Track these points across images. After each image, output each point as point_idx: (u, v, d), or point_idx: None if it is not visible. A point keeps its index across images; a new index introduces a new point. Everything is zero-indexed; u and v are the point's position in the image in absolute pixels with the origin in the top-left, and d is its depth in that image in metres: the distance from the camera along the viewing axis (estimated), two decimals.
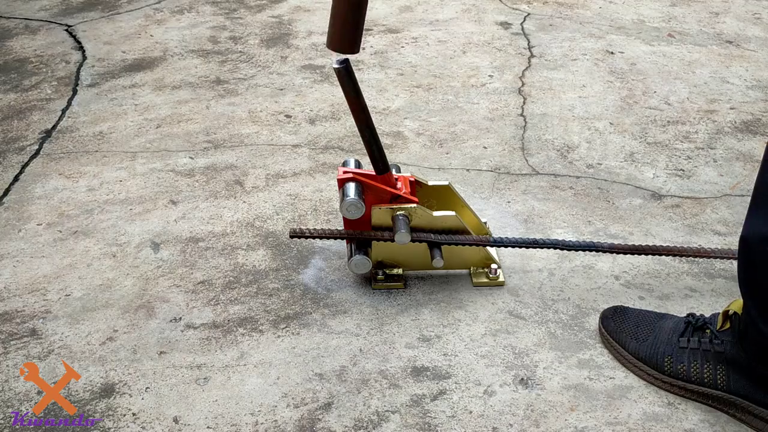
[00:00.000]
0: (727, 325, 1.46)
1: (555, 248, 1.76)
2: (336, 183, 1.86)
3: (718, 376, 1.45)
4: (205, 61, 2.88)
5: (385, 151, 1.72)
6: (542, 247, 1.76)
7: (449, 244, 1.74)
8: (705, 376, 1.46)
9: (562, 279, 1.82)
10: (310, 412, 1.48)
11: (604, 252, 1.76)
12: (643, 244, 1.76)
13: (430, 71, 2.79)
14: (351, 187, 1.68)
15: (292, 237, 1.75)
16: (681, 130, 2.44)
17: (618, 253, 1.76)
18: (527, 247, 1.77)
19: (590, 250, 1.76)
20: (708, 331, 1.49)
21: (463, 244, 1.74)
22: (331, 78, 2.74)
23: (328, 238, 1.75)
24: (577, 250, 1.77)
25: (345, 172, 1.71)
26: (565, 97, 2.63)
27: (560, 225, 1.99)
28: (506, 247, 1.76)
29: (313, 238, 1.75)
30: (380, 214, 1.71)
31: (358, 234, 1.74)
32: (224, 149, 2.33)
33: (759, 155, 2.30)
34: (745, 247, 1.35)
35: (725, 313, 1.46)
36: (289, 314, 1.72)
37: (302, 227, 1.78)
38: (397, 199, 1.72)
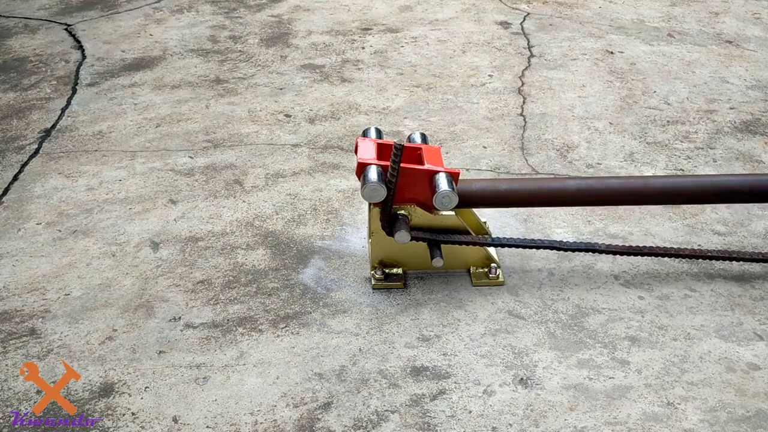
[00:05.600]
0: None
1: (552, 249, 1.76)
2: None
3: None
4: (205, 61, 2.87)
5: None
6: (540, 248, 1.76)
7: (448, 243, 1.74)
8: None
9: (562, 279, 1.81)
10: (310, 411, 1.48)
11: (602, 253, 1.76)
12: (642, 245, 1.76)
13: (429, 71, 2.79)
14: (443, 178, 1.68)
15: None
16: (681, 130, 2.43)
17: (616, 254, 1.76)
18: (526, 248, 1.77)
19: (588, 251, 1.76)
20: None
21: (461, 243, 1.74)
22: (331, 78, 2.74)
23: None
24: (575, 251, 1.77)
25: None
26: (564, 96, 2.63)
27: (560, 225, 1.99)
28: (504, 247, 1.76)
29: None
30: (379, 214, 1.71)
31: None
32: (224, 148, 2.33)
33: (758, 155, 2.30)
34: None
35: None
36: (288, 314, 1.71)
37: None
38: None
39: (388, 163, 1.63)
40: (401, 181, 1.66)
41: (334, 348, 1.63)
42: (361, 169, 1.68)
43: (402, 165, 1.64)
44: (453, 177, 1.70)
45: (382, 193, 1.65)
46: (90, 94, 2.65)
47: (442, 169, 1.70)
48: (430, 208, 1.72)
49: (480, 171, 2.22)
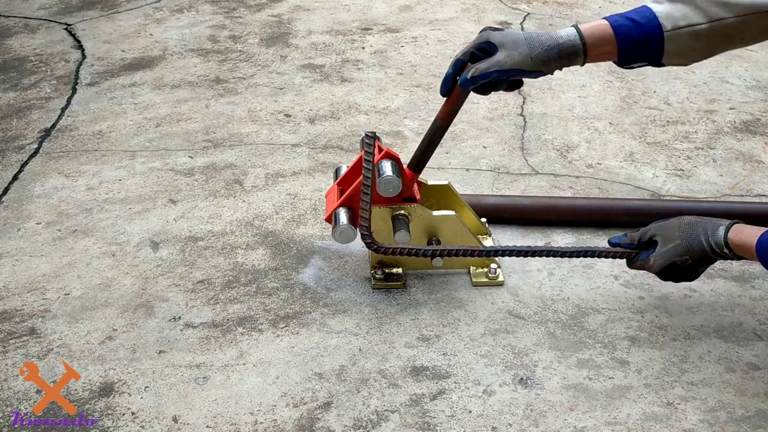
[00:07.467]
0: None
1: (549, 255, 1.71)
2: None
3: None
4: (205, 60, 2.88)
5: None
6: (538, 255, 1.71)
7: (445, 254, 1.71)
8: None
9: (562, 279, 1.82)
10: (310, 411, 1.48)
11: (602, 257, 1.72)
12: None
13: (429, 71, 2.79)
14: (388, 165, 1.65)
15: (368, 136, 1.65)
16: (680, 130, 2.44)
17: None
18: (524, 256, 1.71)
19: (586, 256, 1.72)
20: None
21: (458, 254, 1.70)
22: (331, 77, 2.74)
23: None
24: (571, 257, 1.75)
25: (382, 149, 1.69)
26: (564, 96, 2.63)
27: (559, 225, 1.99)
28: (503, 256, 1.70)
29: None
30: (380, 213, 1.71)
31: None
32: (224, 148, 2.33)
33: (758, 155, 2.30)
34: None
35: None
36: (288, 313, 1.72)
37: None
38: (409, 200, 1.71)
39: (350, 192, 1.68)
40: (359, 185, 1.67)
41: (334, 348, 1.63)
42: (331, 217, 1.73)
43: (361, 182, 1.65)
44: (395, 161, 1.68)
45: (351, 236, 1.69)
46: (90, 94, 2.65)
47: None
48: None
49: (480, 171, 2.22)
